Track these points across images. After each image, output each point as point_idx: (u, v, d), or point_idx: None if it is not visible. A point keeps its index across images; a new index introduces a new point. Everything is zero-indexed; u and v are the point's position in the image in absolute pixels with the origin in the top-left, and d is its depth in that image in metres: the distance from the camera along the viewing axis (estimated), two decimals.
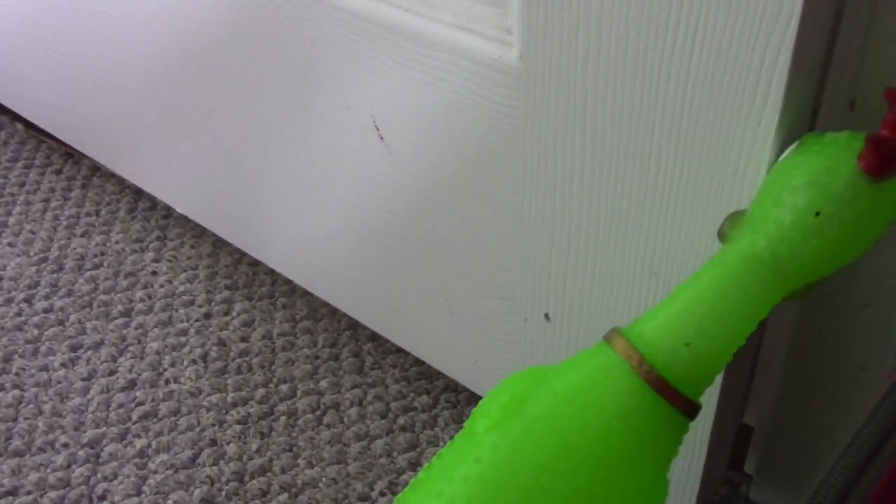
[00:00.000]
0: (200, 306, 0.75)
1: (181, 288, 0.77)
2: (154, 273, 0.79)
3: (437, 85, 0.48)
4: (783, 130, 0.36)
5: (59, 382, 0.69)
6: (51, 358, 0.71)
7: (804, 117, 0.39)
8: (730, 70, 0.36)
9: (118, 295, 0.77)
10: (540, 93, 0.43)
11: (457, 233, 0.54)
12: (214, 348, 0.71)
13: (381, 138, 0.54)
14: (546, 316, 0.52)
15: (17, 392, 0.68)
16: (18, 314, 0.75)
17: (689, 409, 0.34)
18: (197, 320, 0.74)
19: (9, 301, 0.76)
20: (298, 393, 0.67)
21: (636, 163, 0.42)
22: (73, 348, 0.72)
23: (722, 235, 0.36)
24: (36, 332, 0.73)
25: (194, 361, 0.70)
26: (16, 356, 0.71)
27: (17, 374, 0.70)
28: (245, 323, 0.73)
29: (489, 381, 0.60)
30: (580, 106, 0.42)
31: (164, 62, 0.67)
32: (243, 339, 0.72)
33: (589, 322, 0.50)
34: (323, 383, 0.68)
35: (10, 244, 0.82)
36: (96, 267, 0.80)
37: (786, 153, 0.36)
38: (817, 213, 0.32)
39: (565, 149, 0.44)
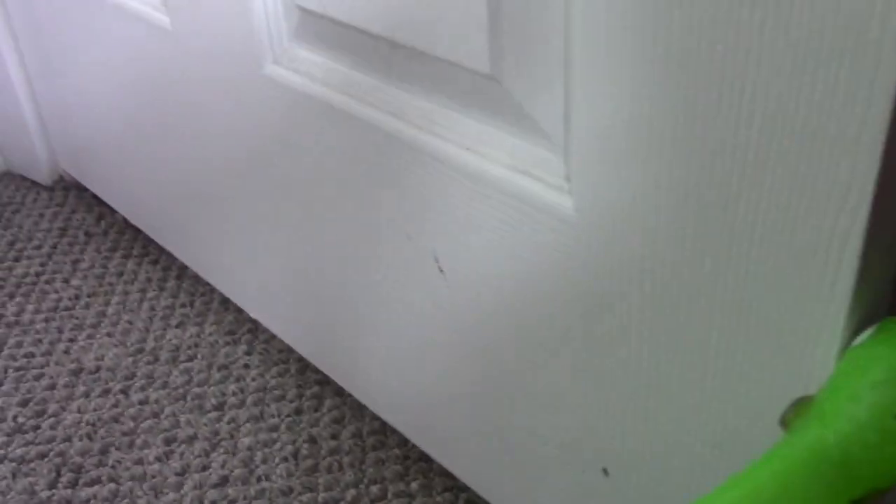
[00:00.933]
0: (291, 401, 0.75)
1: (272, 382, 0.78)
2: (246, 366, 0.80)
3: (495, 225, 0.48)
4: (858, 312, 0.34)
5: (153, 477, 0.70)
6: (146, 451, 0.72)
7: (885, 296, 0.36)
8: (797, 244, 0.34)
9: (211, 388, 0.78)
10: (595, 247, 0.42)
11: (513, 373, 0.53)
12: (305, 445, 0.71)
13: (441, 271, 0.54)
14: (604, 470, 0.50)
15: (112, 486, 0.69)
16: (115, 405, 0.77)
17: None
18: (288, 416, 0.74)
19: (106, 392, 0.78)
20: (389, 495, 0.67)
21: (696, 333, 0.40)
22: (168, 442, 0.73)
23: (785, 422, 0.33)
24: (132, 424, 0.75)
25: (286, 459, 0.70)
26: (112, 448, 0.73)
27: (112, 468, 0.71)
28: (335, 420, 0.73)
29: None
30: (637, 267, 0.41)
31: (249, 171, 0.69)
32: (333, 437, 0.72)
33: (648, 483, 0.47)
34: (413, 485, 0.67)
35: (108, 334, 0.85)
36: (190, 359, 0.81)
37: (863, 337, 0.33)
38: None
39: (622, 307, 0.43)
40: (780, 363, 0.37)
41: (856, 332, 0.34)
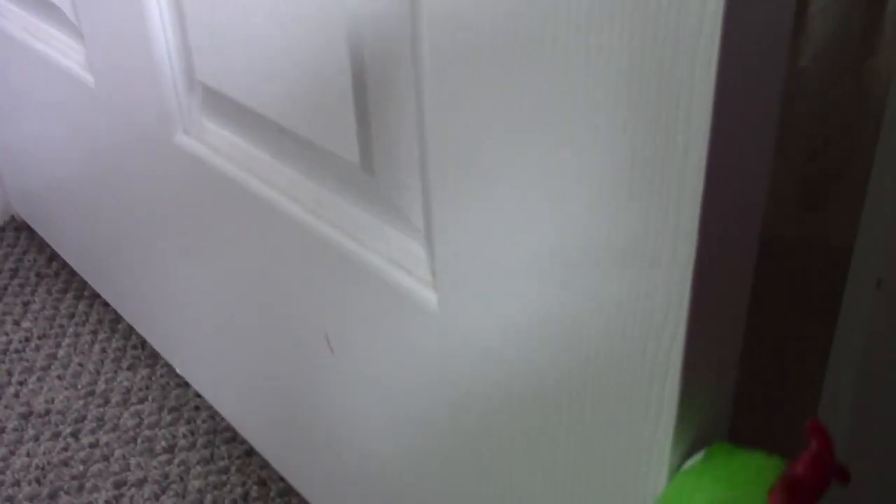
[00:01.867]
0: (242, 443, 0.77)
1: (223, 424, 0.79)
2: (197, 408, 0.81)
3: (372, 311, 0.49)
4: (686, 436, 0.34)
5: None
6: (95, 495, 0.73)
7: (720, 419, 0.37)
8: (623, 378, 0.34)
9: (162, 430, 0.78)
10: (457, 343, 0.43)
11: (388, 459, 0.55)
12: (255, 487, 0.72)
13: (332, 349, 0.55)
14: None
15: None
16: (65, 449, 0.77)
17: None
18: (238, 457, 0.75)
19: (56, 435, 0.79)
20: None
21: (549, 443, 0.40)
22: (118, 485, 0.73)
23: None
24: (81, 467, 0.75)
25: (235, 501, 0.71)
26: (61, 493, 0.73)
27: None
28: None
29: None
30: (495, 369, 0.41)
31: (166, 231, 0.71)
32: (282, 479, 0.73)
33: None
34: None
35: (59, 377, 0.85)
36: (141, 401, 0.82)
37: (693, 460, 0.33)
38: None
39: (481, 405, 0.44)
40: (618, 477, 0.38)
41: (686, 454, 0.34)
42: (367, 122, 0.45)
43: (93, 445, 0.77)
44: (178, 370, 0.84)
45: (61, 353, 0.88)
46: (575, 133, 0.32)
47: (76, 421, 0.80)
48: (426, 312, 0.45)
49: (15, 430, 0.79)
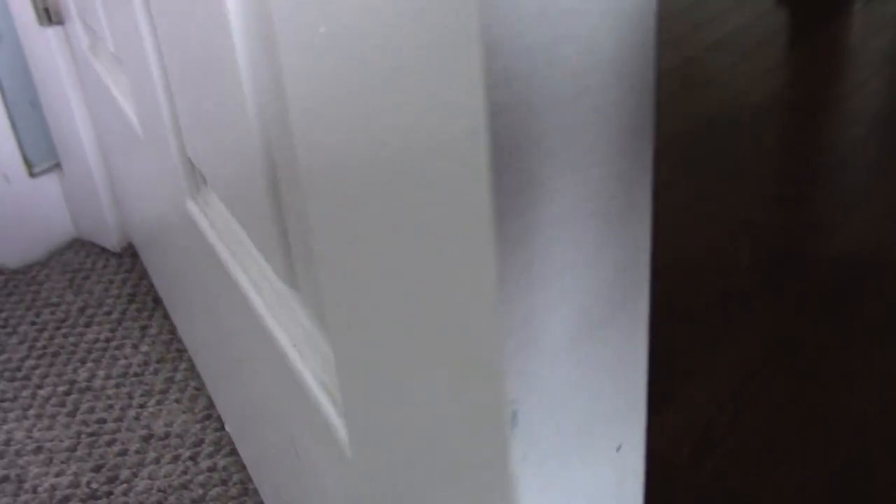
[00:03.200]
0: None
1: None
2: None
3: (311, 424, 0.47)
4: None
5: None
6: None
7: None
8: None
9: None
10: (367, 484, 0.40)
11: None
12: None
13: (298, 457, 0.53)
14: None
15: None
16: (184, 472, 0.78)
17: None
18: None
19: (176, 458, 0.80)
20: None
21: None
22: None
23: None
24: (201, 491, 0.76)
25: None
26: None
27: None
28: None
29: None
30: None
31: (183, 283, 0.72)
32: None
33: None
34: None
35: (176, 400, 0.87)
36: None
37: None
38: None
39: None
40: None
41: None
42: (285, 237, 0.42)
43: (211, 469, 0.78)
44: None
45: (178, 376, 0.90)
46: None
47: (194, 444, 0.81)
48: (340, 450, 0.41)
49: (137, 452, 0.81)
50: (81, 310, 1.01)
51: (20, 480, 0.78)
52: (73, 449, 0.82)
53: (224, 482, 0.77)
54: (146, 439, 0.82)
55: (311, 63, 0.28)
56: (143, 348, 0.94)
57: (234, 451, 0.80)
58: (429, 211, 0.24)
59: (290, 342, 0.46)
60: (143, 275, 1.07)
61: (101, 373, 0.91)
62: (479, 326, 0.23)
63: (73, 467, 0.79)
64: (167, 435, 0.83)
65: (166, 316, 0.99)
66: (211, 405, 0.85)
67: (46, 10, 1.01)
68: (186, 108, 0.54)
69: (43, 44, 1.03)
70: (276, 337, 0.47)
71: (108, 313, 1.00)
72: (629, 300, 0.25)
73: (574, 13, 0.20)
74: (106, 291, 1.05)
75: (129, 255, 1.12)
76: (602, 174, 0.23)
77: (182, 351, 0.93)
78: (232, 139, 0.44)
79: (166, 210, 0.76)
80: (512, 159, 0.20)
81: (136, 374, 0.91)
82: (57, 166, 1.13)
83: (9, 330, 0.99)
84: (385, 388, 0.33)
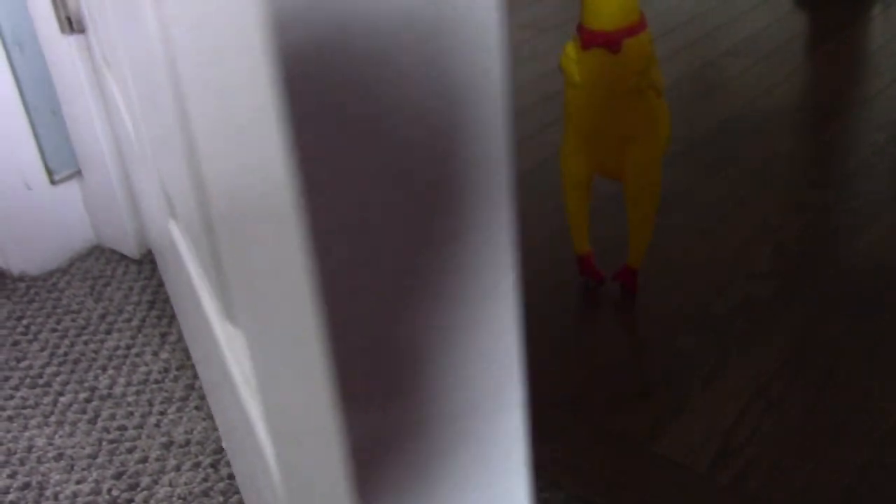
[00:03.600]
0: None
1: None
2: None
3: None
4: None
5: None
6: None
7: None
8: None
9: None
10: None
11: None
12: None
13: None
14: None
15: None
16: (205, 479, 0.79)
17: None
18: None
19: (196, 465, 0.80)
20: None
21: None
22: None
23: None
24: (221, 498, 0.76)
25: None
26: None
27: None
28: None
29: None
30: None
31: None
32: None
33: None
34: None
35: (196, 407, 0.87)
36: None
37: None
38: None
39: None
40: None
41: None
42: (222, 271, 0.40)
43: (231, 477, 0.78)
44: None
45: (198, 383, 0.90)
46: None
47: (214, 452, 0.81)
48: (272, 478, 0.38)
49: (157, 459, 0.81)
50: (102, 317, 1.02)
51: (41, 487, 0.79)
52: (94, 456, 0.82)
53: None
54: (166, 446, 0.82)
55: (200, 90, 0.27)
56: (164, 355, 0.95)
57: None
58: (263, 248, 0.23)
59: (242, 378, 0.43)
60: (162, 282, 1.07)
61: (122, 380, 0.91)
62: None
63: (94, 474, 0.80)
64: (187, 442, 0.83)
65: None
66: None
67: (69, 19, 1.01)
68: (149, 133, 0.55)
69: (64, 52, 1.03)
70: (231, 372, 0.45)
71: (129, 320, 1.01)
72: None
73: None
74: (126, 298, 1.05)
75: (149, 262, 1.12)
76: None
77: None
78: (176, 169, 0.44)
79: (161, 225, 0.76)
80: None
81: (156, 381, 0.91)
82: (77, 174, 1.14)
83: (30, 337, 1.00)
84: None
